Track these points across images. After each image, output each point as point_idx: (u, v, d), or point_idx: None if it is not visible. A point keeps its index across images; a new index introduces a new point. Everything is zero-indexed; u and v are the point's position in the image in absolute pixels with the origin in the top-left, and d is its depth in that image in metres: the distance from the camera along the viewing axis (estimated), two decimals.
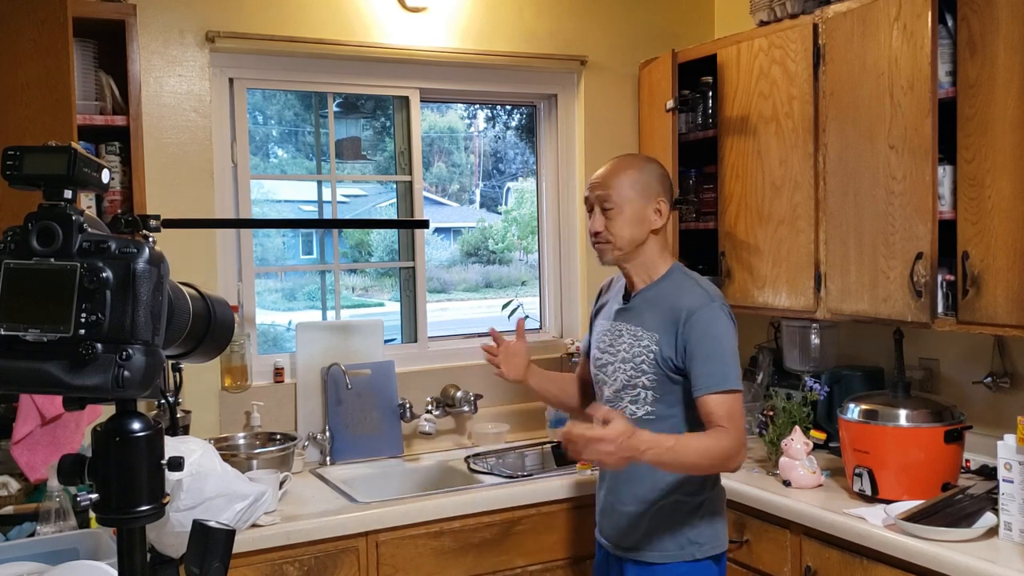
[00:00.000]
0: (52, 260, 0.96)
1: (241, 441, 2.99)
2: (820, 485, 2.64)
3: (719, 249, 3.26)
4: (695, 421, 2.18)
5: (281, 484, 2.62)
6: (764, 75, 3.04)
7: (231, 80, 3.10)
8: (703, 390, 2.13)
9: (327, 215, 3.42)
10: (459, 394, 3.29)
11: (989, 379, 2.74)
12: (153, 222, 2.28)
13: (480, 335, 3.61)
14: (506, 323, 3.65)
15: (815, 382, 2.84)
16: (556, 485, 2.80)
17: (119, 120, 2.58)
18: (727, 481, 2.75)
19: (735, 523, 2.72)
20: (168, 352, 1.10)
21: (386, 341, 3.35)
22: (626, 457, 1.97)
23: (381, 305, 3.94)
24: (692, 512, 2.23)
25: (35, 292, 0.95)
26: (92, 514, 2.09)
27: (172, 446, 1.12)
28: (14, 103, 2.23)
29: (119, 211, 2.58)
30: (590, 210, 2.29)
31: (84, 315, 0.94)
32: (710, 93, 3.36)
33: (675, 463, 2.09)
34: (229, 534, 1.11)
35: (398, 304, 3.57)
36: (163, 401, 1.10)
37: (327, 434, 3.10)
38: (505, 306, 3.64)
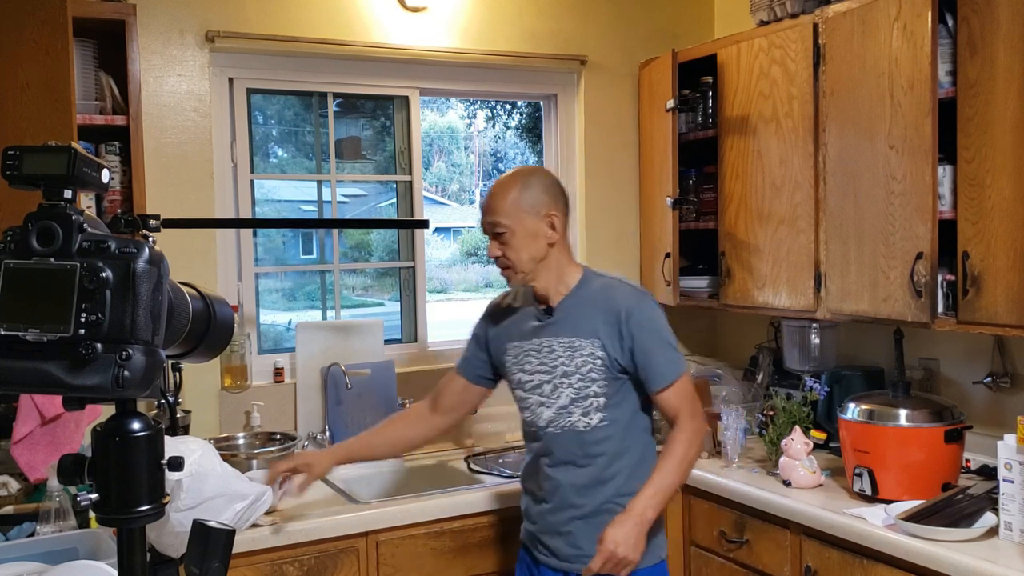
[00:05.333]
0: (52, 260, 0.96)
1: (241, 441, 2.99)
2: (820, 485, 2.64)
3: (719, 249, 3.26)
4: (640, 416, 2.26)
5: (281, 484, 2.62)
6: (764, 75, 3.04)
7: (231, 80, 3.10)
8: (661, 384, 2.17)
9: (327, 215, 3.42)
10: None
11: (989, 379, 2.74)
12: (153, 222, 2.28)
13: None
14: None
15: (815, 382, 2.83)
16: None
17: (119, 120, 2.58)
18: (726, 480, 2.76)
19: (735, 523, 2.73)
20: (168, 352, 1.10)
21: (386, 341, 3.34)
22: (634, 537, 2.06)
23: (381, 305, 3.93)
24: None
25: (35, 292, 0.95)
26: (92, 514, 2.09)
27: (172, 446, 1.12)
28: (14, 103, 2.23)
29: (119, 211, 2.58)
30: (487, 235, 2.27)
31: (84, 315, 0.94)
32: (710, 93, 3.35)
33: (668, 493, 2.16)
34: (229, 534, 1.11)
35: (398, 304, 3.57)
36: (163, 401, 1.10)
37: (327, 434, 3.09)
38: None
